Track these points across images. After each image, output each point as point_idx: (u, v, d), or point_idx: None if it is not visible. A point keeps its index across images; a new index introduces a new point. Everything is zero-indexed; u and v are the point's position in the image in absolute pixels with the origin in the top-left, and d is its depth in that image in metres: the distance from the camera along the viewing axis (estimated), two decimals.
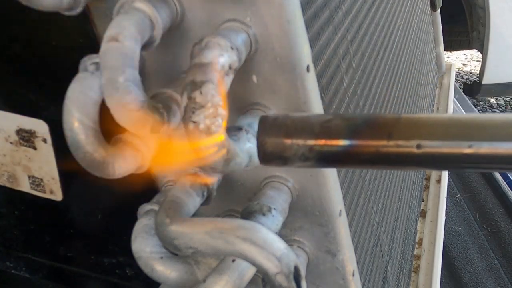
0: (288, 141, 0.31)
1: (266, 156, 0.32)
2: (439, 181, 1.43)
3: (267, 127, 0.32)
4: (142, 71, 0.43)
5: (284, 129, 0.31)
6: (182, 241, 0.35)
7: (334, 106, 0.59)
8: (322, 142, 0.30)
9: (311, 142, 0.30)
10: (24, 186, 0.68)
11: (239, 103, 0.43)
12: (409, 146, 0.28)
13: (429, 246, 1.22)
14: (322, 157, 0.30)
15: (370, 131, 0.29)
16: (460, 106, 2.11)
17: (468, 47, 2.77)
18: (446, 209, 1.34)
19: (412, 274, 1.15)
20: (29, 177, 0.67)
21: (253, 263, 0.34)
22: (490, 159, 0.27)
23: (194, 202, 0.41)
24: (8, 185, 0.69)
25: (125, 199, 0.49)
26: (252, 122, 0.41)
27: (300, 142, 0.30)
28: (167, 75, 0.43)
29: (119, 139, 0.42)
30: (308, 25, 0.49)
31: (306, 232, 0.50)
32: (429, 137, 0.28)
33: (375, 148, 0.29)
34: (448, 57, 3.76)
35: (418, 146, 0.28)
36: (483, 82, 2.51)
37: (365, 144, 0.29)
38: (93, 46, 0.39)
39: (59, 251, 0.74)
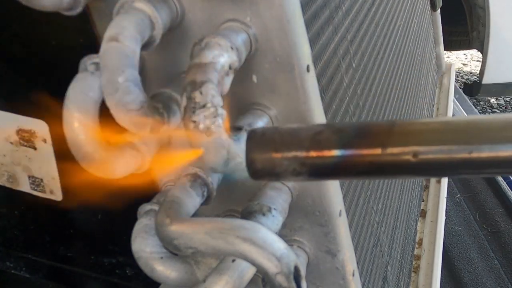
0: (278, 157, 0.29)
1: (257, 173, 0.30)
2: (439, 181, 1.43)
3: (255, 143, 0.30)
4: (142, 71, 0.43)
5: (273, 144, 0.29)
6: (182, 241, 0.35)
7: (334, 106, 0.59)
8: (313, 156, 0.28)
9: (301, 156, 0.28)
10: (24, 186, 0.68)
11: (239, 103, 0.43)
12: (405, 154, 0.27)
13: (429, 246, 1.21)
14: (315, 171, 0.29)
15: (363, 141, 0.28)
16: (460, 106, 2.10)
17: (468, 47, 2.77)
18: (446, 209, 1.34)
19: (412, 274, 1.15)
20: (29, 177, 0.67)
21: (253, 263, 0.34)
22: (491, 164, 0.25)
23: (194, 202, 0.41)
24: (8, 185, 0.69)
25: (125, 199, 0.49)
26: (252, 122, 0.41)
27: (290, 157, 0.29)
28: (167, 75, 0.43)
29: (119, 139, 0.42)
30: (308, 25, 0.49)
31: (306, 232, 0.50)
32: (425, 144, 0.26)
33: (369, 159, 0.27)
34: (448, 57, 3.76)
35: (415, 155, 0.26)
36: (483, 82, 2.51)
37: (358, 155, 0.27)
38: (93, 46, 0.39)
39: (59, 251, 0.74)
